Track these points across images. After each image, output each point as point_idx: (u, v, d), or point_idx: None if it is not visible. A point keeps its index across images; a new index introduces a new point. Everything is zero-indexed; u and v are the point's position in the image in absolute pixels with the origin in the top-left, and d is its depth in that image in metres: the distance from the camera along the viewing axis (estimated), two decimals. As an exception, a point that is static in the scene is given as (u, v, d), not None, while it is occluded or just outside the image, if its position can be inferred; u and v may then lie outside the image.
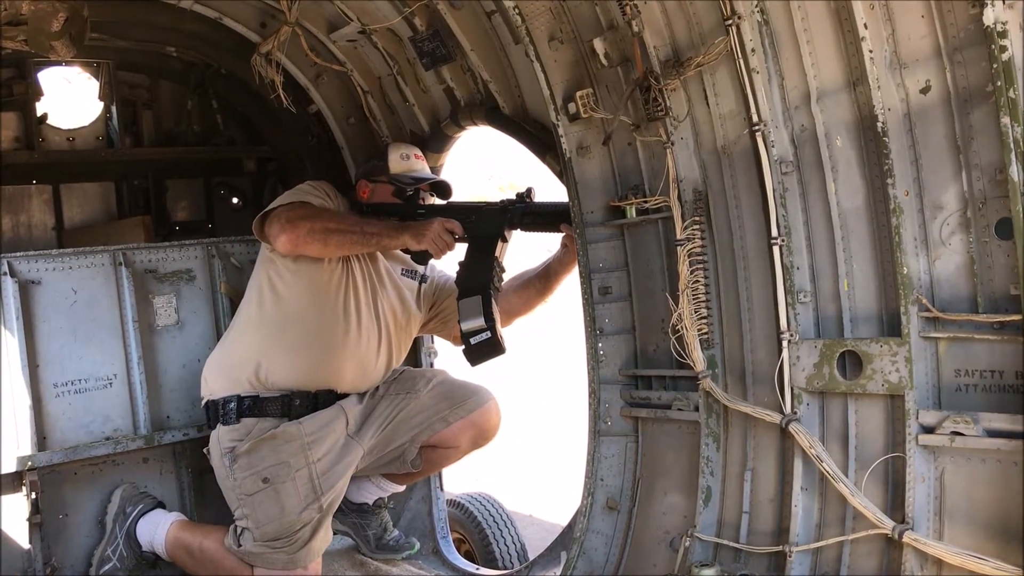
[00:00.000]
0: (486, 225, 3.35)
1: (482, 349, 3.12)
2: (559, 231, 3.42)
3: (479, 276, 3.26)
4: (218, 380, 3.43)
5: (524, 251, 3.79)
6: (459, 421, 3.58)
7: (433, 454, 3.65)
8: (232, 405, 3.33)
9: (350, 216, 3.43)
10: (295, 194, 3.46)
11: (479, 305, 3.17)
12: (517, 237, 3.48)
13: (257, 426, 3.31)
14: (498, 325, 3.15)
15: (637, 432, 3.26)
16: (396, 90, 4.04)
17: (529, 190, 3.40)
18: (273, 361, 3.36)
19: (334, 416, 3.41)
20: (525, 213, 3.38)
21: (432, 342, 4.44)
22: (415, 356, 4.40)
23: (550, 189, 3.65)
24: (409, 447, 3.57)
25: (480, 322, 3.12)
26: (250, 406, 3.33)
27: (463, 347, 3.16)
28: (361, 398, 3.56)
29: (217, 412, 3.37)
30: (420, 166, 3.68)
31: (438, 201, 3.68)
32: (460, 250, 3.40)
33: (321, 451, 3.32)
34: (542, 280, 3.62)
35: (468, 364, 3.19)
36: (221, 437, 3.35)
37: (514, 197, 3.41)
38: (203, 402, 3.50)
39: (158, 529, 3.57)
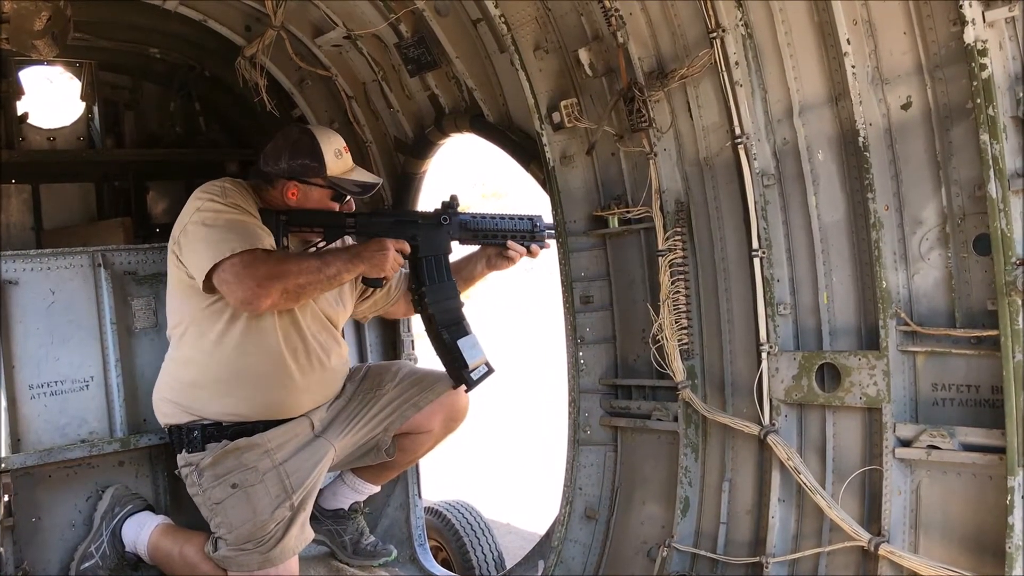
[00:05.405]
0: (432, 244, 3.28)
1: (482, 380, 3.31)
2: (504, 247, 3.36)
3: (452, 306, 3.31)
4: (174, 412, 3.31)
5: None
6: (429, 405, 3.55)
7: (406, 440, 3.63)
8: (196, 434, 3.27)
9: (307, 259, 3.13)
10: (233, 235, 3.04)
11: (478, 346, 3.30)
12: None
13: (219, 445, 3.27)
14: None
15: (616, 441, 3.27)
16: (380, 96, 4.04)
17: (453, 198, 3.30)
18: (226, 407, 3.25)
19: (297, 423, 3.37)
20: (466, 229, 3.32)
21: (413, 348, 4.42)
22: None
23: (534, 197, 3.64)
24: (383, 436, 3.55)
25: (483, 357, 3.30)
26: (213, 433, 3.27)
27: (464, 385, 3.30)
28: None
29: (181, 439, 3.30)
30: (351, 162, 3.37)
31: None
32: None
33: (286, 453, 3.29)
34: (466, 280, 3.54)
35: (466, 389, 3.38)
36: (188, 458, 3.30)
37: (440, 207, 3.30)
38: (166, 426, 3.42)
39: (142, 531, 3.53)
